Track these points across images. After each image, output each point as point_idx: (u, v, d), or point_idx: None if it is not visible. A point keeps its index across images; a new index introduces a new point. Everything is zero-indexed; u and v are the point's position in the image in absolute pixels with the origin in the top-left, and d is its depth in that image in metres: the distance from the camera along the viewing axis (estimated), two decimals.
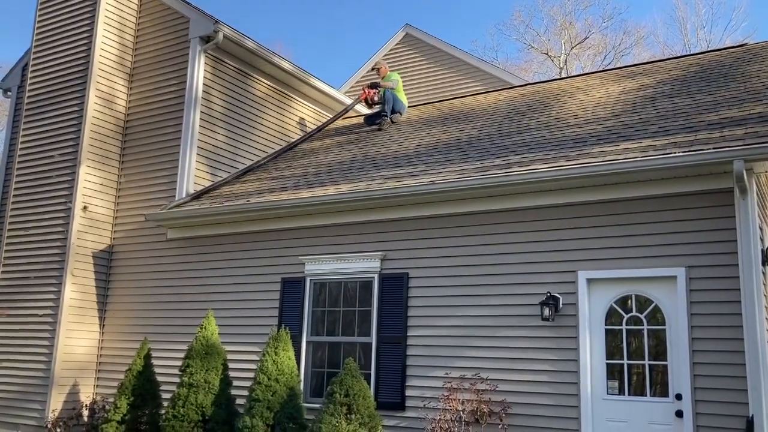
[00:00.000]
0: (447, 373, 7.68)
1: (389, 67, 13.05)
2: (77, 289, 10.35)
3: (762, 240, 6.95)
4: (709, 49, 20.43)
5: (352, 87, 17.07)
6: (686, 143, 6.96)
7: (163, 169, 10.63)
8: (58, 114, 11.12)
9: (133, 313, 10.42)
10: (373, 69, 13.41)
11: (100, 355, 10.54)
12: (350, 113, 13.42)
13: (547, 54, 35.93)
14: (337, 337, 8.70)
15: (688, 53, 12.39)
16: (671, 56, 14.51)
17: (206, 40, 10.75)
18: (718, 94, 8.38)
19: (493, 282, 7.69)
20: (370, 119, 12.29)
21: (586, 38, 35.81)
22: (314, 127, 12.86)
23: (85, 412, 9.94)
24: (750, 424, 6.09)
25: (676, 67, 10.44)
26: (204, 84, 10.77)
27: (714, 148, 6.52)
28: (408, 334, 8.09)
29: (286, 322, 8.74)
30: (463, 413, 7.27)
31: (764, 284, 6.73)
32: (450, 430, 7.27)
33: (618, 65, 32.09)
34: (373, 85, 12.50)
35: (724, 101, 8.01)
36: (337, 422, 6.82)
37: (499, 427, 7.21)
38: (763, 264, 6.74)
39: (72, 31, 11.39)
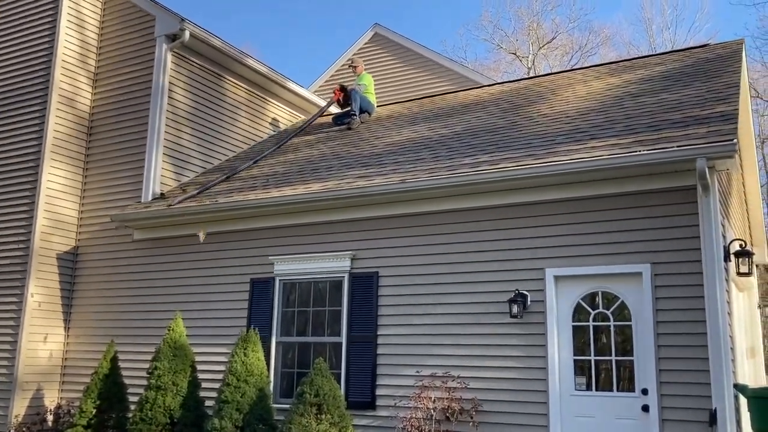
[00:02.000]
0: (418, 372, 7.70)
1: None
2: (41, 291, 10.15)
3: (724, 236, 7.09)
4: (673, 49, 20.78)
5: (321, 87, 17.02)
6: (651, 142, 7.06)
7: (129, 169, 10.48)
8: (19, 114, 10.88)
9: (99, 315, 10.25)
10: (349, 66, 13.33)
11: (65, 358, 10.35)
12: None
13: (515, 54, 36.23)
14: (307, 338, 8.66)
15: (654, 53, 12.59)
16: (637, 56, 14.73)
17: (172, 38, 10.61)
18: (682, 93, 8.52)
19: (462, 280, 7.72)
20: (339, 119, 12.26)
21: (553, 38, 36.19)
22: (291, 128, 12.76)
23: (50, 417, 9.76)
24: (713, 416, 6.21)
25: (642, 67, 10.59)
26: (170, 83, 10.63)
27: (678, 147, 6.63)
28: (378, 333, 8.09)
29: (255, 323, 8.67)
30: (434, 411, 7.29)
31: (726, 280, 6.87)
32: (421, 428, 7.28)
33: (585, 65, 32.51)
34: (343, 88, 12.49)
35: (688, 100, 8.15)
36: (307, 422, 6.79)
37: (470, 424, 7.25)
38: (726, 260, 6.88)
39: (33, 29, 11.16)
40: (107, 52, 11.27)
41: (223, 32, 47.13)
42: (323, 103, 13.27)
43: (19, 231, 10.33)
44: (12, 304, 10.08)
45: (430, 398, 7.33)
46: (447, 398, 7.30)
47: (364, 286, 8.28)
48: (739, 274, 7.23)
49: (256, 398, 7.43)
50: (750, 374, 10.68)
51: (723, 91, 8.08)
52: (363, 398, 7.96)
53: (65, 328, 10.44)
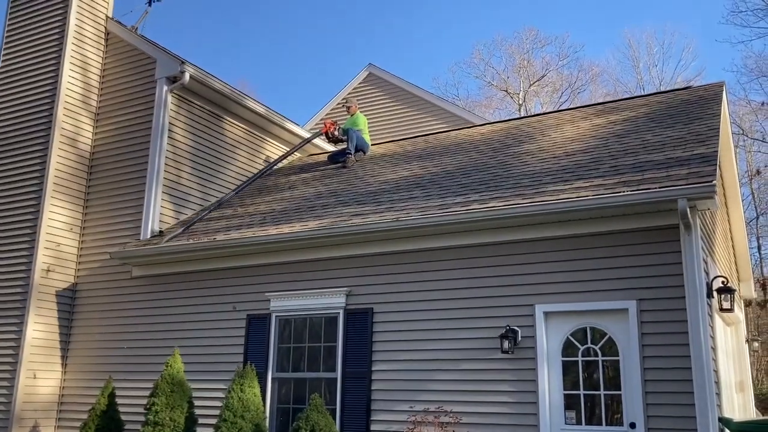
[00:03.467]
0: (411, 407, 7.84)
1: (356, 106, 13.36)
2: (40, 328, 10.28)
3: (707, 273, 7.34)
4: (658, 90, 21.30)
5: (316, 124, 17.34)
6: (635, 182, 7.34)
7: (129, 207, 10.70)
8: (22, 151, 11.13)
9: (97, 351, 10.36)
10: (343, 105, 13.67)
11: (62, 395, 10.43)
12: (316, 150, 13.70)
13: (506, 91, 36.89)
14: (303, 373, 8.81)
15: (639, 95, 12.99)
16: (623, 98, 15.16)
17: (173, 80, 10.92)
18: (664, 134, 8.84)
19: (454, 316, 7.92)
20: (334, 157, 12.55)
21: (543, 76, 36.90)
22: (287, 166, 13.07)
23: None
24: None
25: (627, 108, 10.95)
26: (170, 124, 10.91)
27: (659, 188, 6.91)
28: (373, 369, 8.25)
29: (251, 359, 8.81)
30: None
31: (710, 315, 7.09)
32: None
33: (574, 104, 33.10)
34: (334, 123, 12.85)
35: (670, 142, 8.47)
36: None
37: None
38: (709, 296, 7.12)
39: (37, 70, 11.48)
40: (109, 93, 11.57)
41: (219, 70, 47.81)
42: (322, 143, 13.61)
43: (19, 267, 10.49)
44: (11, 340, 10.19)
45: None
46: None
47: (359, 322, 8.46)
48: (721, 309, 7.45)
49: None
50: (739, 408, 10.84)
51: (704, 133, 8.41)
52: None
53: (62, 364, 10.54)
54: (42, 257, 10.41)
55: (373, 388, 8.19)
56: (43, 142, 10.98)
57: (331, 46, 56.50)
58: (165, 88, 10.87)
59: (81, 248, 10.95)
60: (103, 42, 11.83)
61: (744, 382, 11.80)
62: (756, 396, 15.94)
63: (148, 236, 10.32)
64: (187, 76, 10.82)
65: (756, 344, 13.22)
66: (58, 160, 10.85)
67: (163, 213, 10.62)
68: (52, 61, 11.36)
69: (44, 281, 10.40)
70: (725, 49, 45.12)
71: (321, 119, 17.36)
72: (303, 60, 57.19)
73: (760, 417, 12.64)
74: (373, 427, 8.06)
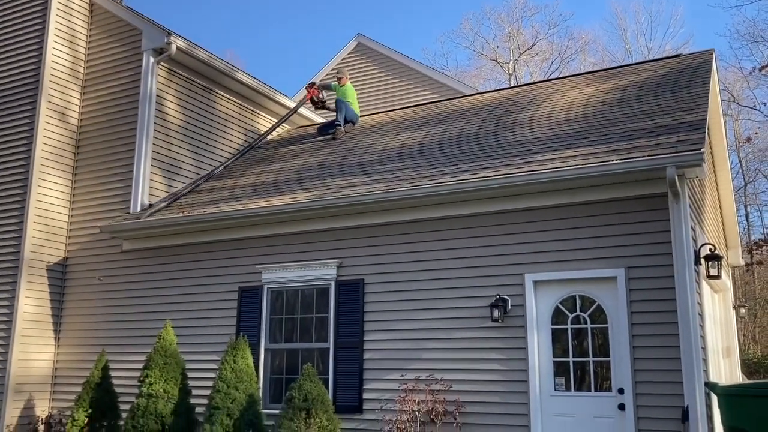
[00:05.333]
0: (403, 376, 7.93)
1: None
2: (32, 302, 10.28)
3: (695, 241, 7.41)
4: (647, 59, 21.22)
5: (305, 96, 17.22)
6: (624, 151, 7.37)
7: (118, 180, 10.64)
8: (9, 125, 11.02)
9: (89, 324, 10.39)
10: (334, 76, 13.59)
11: (56, 368, 10.48)
12: (305, 122, 13.65)
13: (496, 61, 36.68)
14: (295, 344, 8.88)
15: (628, 63, 12.96)
16: (613, 66, 15.11)
17: (159, 52, 10.80)
18: (653, 103, 8.85)
19: (445, 286, 7.98)
20: (323, 129, 12.50)
21: (533, 45, 36.70)
22: (276, 138, 13.01)
23: (41, 427, 9.88)
24: (685, 413, 6.51)
25: (617, 76, 10.93)
26: (158, 96, 10.82)
27: (648, 156, 6.94)
28: (365, 339, 8.32)
29: (244, 330, 8.87)
30: (418, 414, 7.53)
31: (697, 282, 7.18)
32: (406, 430, 7.51)
33: (564, 73, 32.98)
34: (313, 84, 12.89)
35: (659, 110, 8.48)
36: (297, 426, 7.01)
37: (454, 425, 7.49)
38: (696, 264, 7.20)
39: (22, 41, 11.30)
40: (96, 65, 11.43)
41: (206, 41, 47.27)
42: (311, 114, 13.57)
43: (9, 242, 10.46)
44: (3, 315, 10.20)
45: (415, 401, 7.57)
46: (431, 400, 7.55)
47: (351, 293, 8.51)
48: (709, 276, 7.54)
49: (246, 404, 7.62)
50: (726, 373, 11.04)
51: (692, 101, 8.41)
52: (350, 402, 8.18)
53: (56, 338, 10.57)
54: (32, 231, 10.37)
55: (365, 357, 8.27)
56: (30, 114, 10.86)
57: (320, 17, 55.89)
58: (152, 60, 10.75)
59: (71, 221, 10.91)
60: (88, 13, 11.66)
61: (731, 347, 11.99)
62: (742, 361, 16.23)
63: (138, 209, 10.29)
64: (173, 48, 10.70)
65: (743, 311, 13.38)
66: (46, 132, 10.75)
67: (154, 186, 10.58)
68: (37, 32, 11.19)
69: (35, 255, 10.38)
70: (715, 15, 44.85)
71: (309, 82, 17.25)
72: (292, 31, 56.60)
73: (746, 381, 12.87)
74: (365, 395, 8.16)
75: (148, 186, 10.45)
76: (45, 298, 10.49)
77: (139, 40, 10.98)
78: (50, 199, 10.69)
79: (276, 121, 12.99)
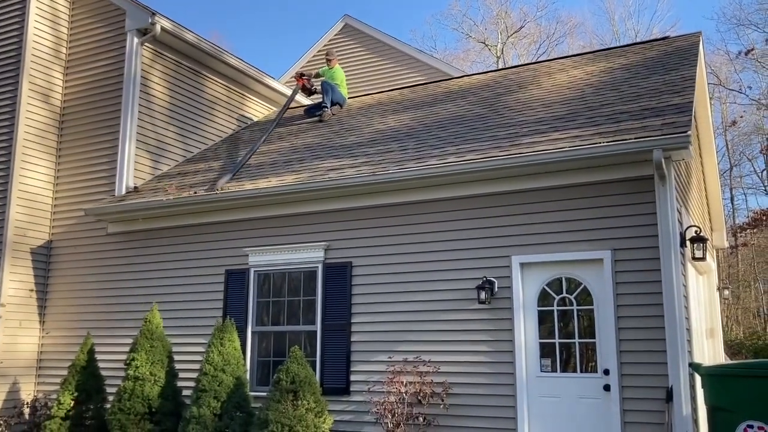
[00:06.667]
0: (390, 357, 7.95)
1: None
2: (16, 285, 10.19)
3: (680, 223, 7.45)
4: (635, 41, 21.22)
5: (291, 78, 17.09)
6: (611, 133, 7.37)
7: (103, 162, 10.54)
8: None
9: (75, 308, 10.33)
10: (324, 57, 13.45)
11: (41, 351, 10.42)
12: (293, 104, 13.53)
13: (484, 43, 36.57)
14: (282, 327, 8.87)
15: (616, 46, 12.94)
16: (601, 48, 15.09)
17: (143, 32, 10.67)
18: (641, 86, 8.85)
19: (432, 268, 7.99)
20: (310, 111, 12.43)
21: (521, 27, 36.61)
22: (263, 120, 12.91)
23: (27, 410, 9.84)
24: (669, 393, 6.58)
25: (604, 59, 10.92)
26: (143, 77, 10.69)
27: (635, 138, 6.95)
28: (352, 321, 8.33)
29: (231, 313, 8.85)
30: (406, 395, 7.56)
31: (683, 264, 7.23)
32: (394, 411, 7.54)
33: (552, 56, 32.94)
34: (302, 74, 12.78)
35: (646, 93, 8.48)
36: (284, 408, 7.02)
37: (441, 407, 7.53)
38: (682, 246, 7.24)
39: (1, 22, 11.11)
40: (79, 45, 11.27)
41: (189, 20, 46.75)
42: (299, 97, 13.45)
43: None
44: None
45: (402, 382, 7.60)
46: (418, 382, 7.58)
47: (338, 275, 8.50)
48: (694, 258, 7.59)
49: (233, 386, 7.63)
50: (709, 354, 11.16)
51: (679, 83, 8.42)
52: (338, 384, 8.20)
53: (40, 321, 10.50)
54: (15, 213, 10.26)
55: (352, 339, 8.28)
56: (12, 95, 10.70)
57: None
58: (136, 40, 10.62)
59: (55, 204, 10.81)
60: None
61: (714, 329, 12.12)
62: (725, 342, 16.43)
63: (124, 192, 10.20)
64: (158, 28, 10.56)
65: (726, 292, 13.53)
66: (28, 114, 10.61)
67: (140, 168, 10.49)
68: (18, 12, 11.00)
69: (19, 238, 10.28)
70: None
71: (296, 72, 17.12)
72: (278, 10, 56.07)
73: (729, 362, 13.03)
74: (352, 377, 8.18)
75: (133, 168, 10.36)
76: (30, 281, 10.41)
77: (123, 21, 10.83)
78: (34, 182, 10.57)
79: (266, 105, 12.93)
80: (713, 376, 6.45)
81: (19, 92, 10.60)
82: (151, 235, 9.94)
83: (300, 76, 12.89)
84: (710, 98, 12.13)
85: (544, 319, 7.50)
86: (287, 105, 12.64)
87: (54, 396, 9.53)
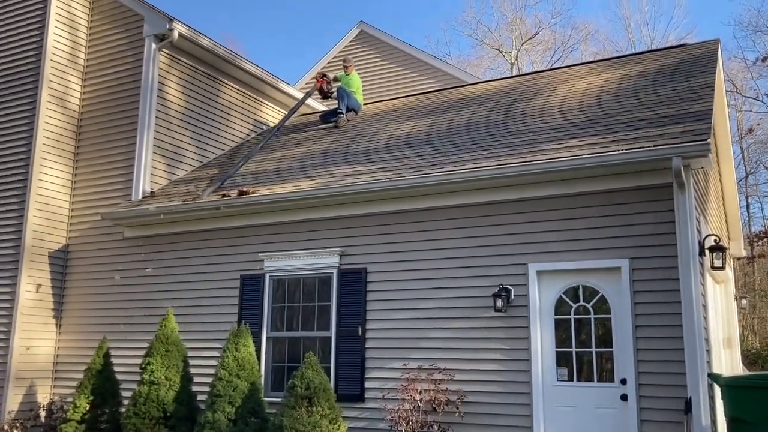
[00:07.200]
0: (405, 365, 7.92)
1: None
2: (33, 290, 10.26)
3: (699, 232, 7.38)
4: (651, 47, 21.09)
5: (306, 83, 17.16)
6: (629, 141, 7.32)
7: (119, 167, 10.60)
8: (9, 112, 10.96)
9: (91, 312, 10.38)
10: (342, 64, 13.47)
11: (57, 355, 10.48)
12: (307, 110, 13.58)
13: (498, 49, 36.53)
14: (297, 332, 8.86)
15: (633, 53, 12.89)
16: (617, 56, 15.02)
17: (161, 38, 10.73)
18: (659, 93, 8.79)
19: (448, 275, 7.95)
20: (326, 117, 12.45)
21: (536, 34, 36.54)
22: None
23: (43, 413, 9.89)
24: (688, 404, 6.50)
25: (621, 66, 10.87)
26: (160, 83, 10.76)
27: (654, 146, 6.89)
28: (367, 327, 8.31)
29: (246, 318, 8.86)
30: (420, 403, 7.52)
31: (701, 274, 7.15)
32: (408, 419, 7.50)
33: (567, 63, 32.86)
34: (324, 75, 12.78)
35: (664, 100, 8.42)
36: (299, 415, 7.00)
37: (456, 414, 7.49)
38: (701, 255, 7.17)
39: (21, 29, 11.23)
40: (97, 51, 11.35)
41: (206, 26, 47.06)
42: (313, 102, 13.51)
43: (10, 228, 10.42)
44: (4, 302, 10.18)
45: (417, 390, 7.56)
46: (433, 390, 7.54)
47: (353, 281, 8.49)
48: (713, 268, 7.51)
49: (247, 392, 7.62)
50: (727, 363, 11.04)
51: (698, 91, 8.36)
52: (352, 391, 8.18)
53: (57, 324, 10.56)
54: (33, 218, 10.33)
55: (367, 346, 8.26)
56: (31, 101, 10.80)
57: (322, 3, 55.57)
58: (153, 46, 10.69)
59: (72, 209, 10.88)
60: None
61: (732, 338, 11.99)
62: (742, 352, 16.25)
63: (140, 197, 10.25)
64: (175, 34, 10.63)
65: (744, 302, 13.38)
66: (47, 119, 10.69)
67: (156, 173, 10.54)
68: (38, 18, 11.11)
69: (36, 242, 10.35)
70: (719, 4, 44.60)
71: (312, 77, 17.16)
72: (293, 18, 56.33)
73: (748, 372, 12.89)
74: (367, 384, 8.16)
75: (149, 173, 10.41)
76: (47, 285, 10.47)
77: (140, 26, 10.91)
78: (51, 186, 10.65)
79: (281, 111, 12.95)
80: (733, 387, 6.38)
81: (38, 99, 10.69)
82: (166, 239, 9.98)
83: (322, 76, 12.87)
84: (727, 106, 12.04)
85: (560, 327, 7.44)
86: (294, 110, 12.66)
87: (70, 399, 9.56)
